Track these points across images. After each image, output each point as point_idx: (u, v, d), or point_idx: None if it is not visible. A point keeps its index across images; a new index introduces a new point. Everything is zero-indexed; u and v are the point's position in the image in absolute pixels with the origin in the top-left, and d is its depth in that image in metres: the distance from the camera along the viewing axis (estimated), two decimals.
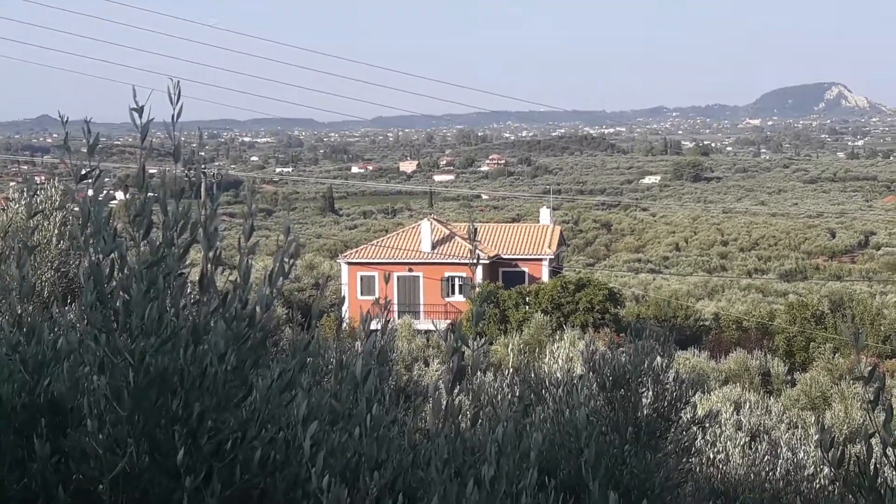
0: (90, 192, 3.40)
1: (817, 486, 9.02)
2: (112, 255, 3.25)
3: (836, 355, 39.44)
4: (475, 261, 3.79)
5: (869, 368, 3.65)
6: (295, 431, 3.32)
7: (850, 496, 3.55)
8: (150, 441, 3.31)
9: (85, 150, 3.43)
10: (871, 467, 3.49)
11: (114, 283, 3.22)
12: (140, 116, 3.31)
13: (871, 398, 3.51)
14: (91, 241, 3.20)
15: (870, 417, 3.50)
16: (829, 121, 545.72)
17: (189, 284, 3.42)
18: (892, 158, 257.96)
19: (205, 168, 3.47)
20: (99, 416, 3.21)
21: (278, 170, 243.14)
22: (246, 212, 3.17)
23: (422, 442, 3.76)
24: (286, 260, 3.20)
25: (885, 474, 3.57)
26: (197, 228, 3.23)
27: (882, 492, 3.45)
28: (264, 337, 3.27)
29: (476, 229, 3.69)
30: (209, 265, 3.22)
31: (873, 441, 3.55)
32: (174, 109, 3.28)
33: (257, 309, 3.23)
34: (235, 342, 3.19)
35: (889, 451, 3.47)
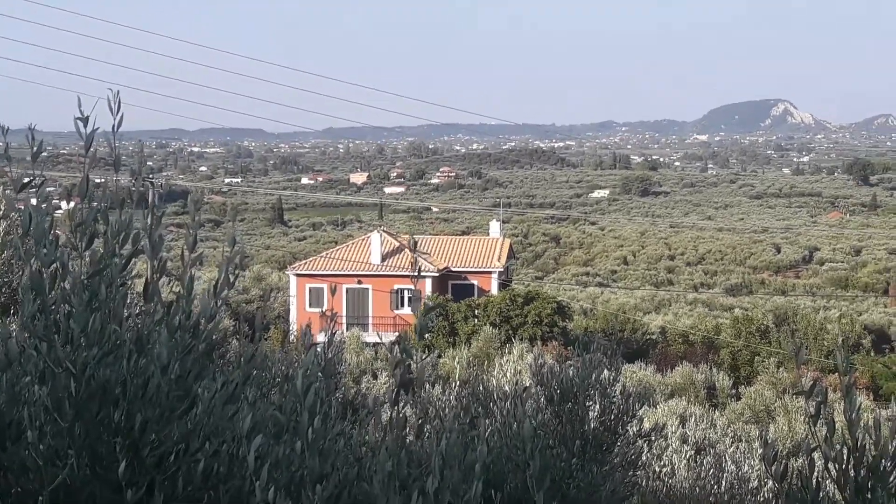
0: (33, 202, 3.35)
1: (761, 499, 9.12)
2: (54, 264, 3.20)
3: (780, 369, 39.89)
4: (416, 273, 3.80)
5: (810, 383, 3.69)
6: (239, 444, 3.29)
7: None
8: (91, 453, 3.26)
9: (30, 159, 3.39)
10: (814, 481, 3.53)
11: (55, 293, 3.18)
12: (85, 126, 3.27)
13: (813, 412, 3.56)
14: (33, 251, 3.16)
15: (811, 431, 3.54)
16: (774, 137, 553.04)
17: (132, 295, 3.38)
18: (836, 175, 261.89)
19: (151, 177, 3.44)
20: (39, 427, 3.16)
21: (227, 180, 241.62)
22: (190, 222, 3.15)
23: (367, 455, 3.74)
24: (231, 270, 3.18)
25: (827, 488, 3.61)
26: (140, 238, 3.19)
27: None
28: (209, 348, 3.24)
29: (416, 242, 3.70)
30: (154, 274, 3.19)
31: (815, 455, 3.59)
32: (114, 120, 3.25)
33: (202, 320, 3.20)
34: (179, 353, 3.16)
35: (831, 465, 3.51)
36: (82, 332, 3.07)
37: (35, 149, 3.38)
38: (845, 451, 3.52)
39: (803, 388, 3.70)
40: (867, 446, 3.51)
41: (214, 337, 3.27)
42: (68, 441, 3.15)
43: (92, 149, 3.39)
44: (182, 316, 3.16)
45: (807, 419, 3.63)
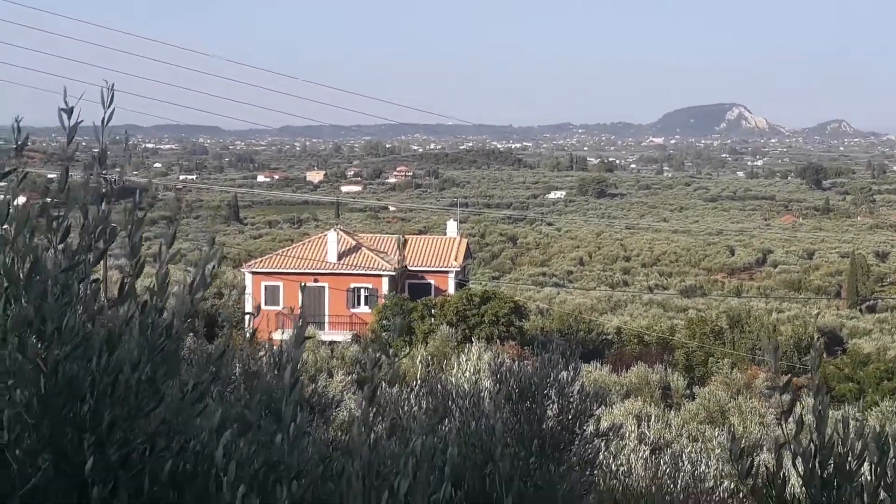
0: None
1: (717, 498, 9.21)
2: (28, 258, 3.17)
3: (734, 370, 40.27)
4: (398, 270, 3.81)
5: (783, 381, 3.75)
6: (206, 442, 3.27)
7: None
8: (56, 450, 3.23)
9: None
10: (780, 477, 3.57)
11: (29, 288, 3.15)
12: (69, 117, 3.25)
13: (785, 409, 3.60)
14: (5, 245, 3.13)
15: (782, 428, 3.58)
16: (729, 141, 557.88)
17: (103, 291, 3.35)
18: (789, 179, 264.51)
19: (114, 173, 3.42)
20: (16, 426, 3.12)
21: (182, 177, 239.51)
22: (171, 217, 3.13)
23: (332, 453, 3.74)
24: (209, 270, 3.17)
25: (792, 485, 3.66)
26: (116, 235, 3.17)
27: (789, 500, 3.53)
28: (180, 348, 3.22)
29: (406, 240, 3.71)
30: (132, 273, 3.16)
31: (783, 451, 3.64)
32: (104, 114, 3.24)
33: (175, 320, 3.17)
34: (150, 352, 3.14)
35: (798, 461, 3.55)
36: (56, 329, 3.04)
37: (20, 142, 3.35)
38: (812, 448, 3.56)
39: (776, 386, 3.76)
40: (835, 444, 3.55)
41: (185, 337, 3.26)
42: (36, 438, 3.12)
43: (56, 143, 3.37)
44: (155, 315, 3.14)
45: (778, 415, 3.69)
